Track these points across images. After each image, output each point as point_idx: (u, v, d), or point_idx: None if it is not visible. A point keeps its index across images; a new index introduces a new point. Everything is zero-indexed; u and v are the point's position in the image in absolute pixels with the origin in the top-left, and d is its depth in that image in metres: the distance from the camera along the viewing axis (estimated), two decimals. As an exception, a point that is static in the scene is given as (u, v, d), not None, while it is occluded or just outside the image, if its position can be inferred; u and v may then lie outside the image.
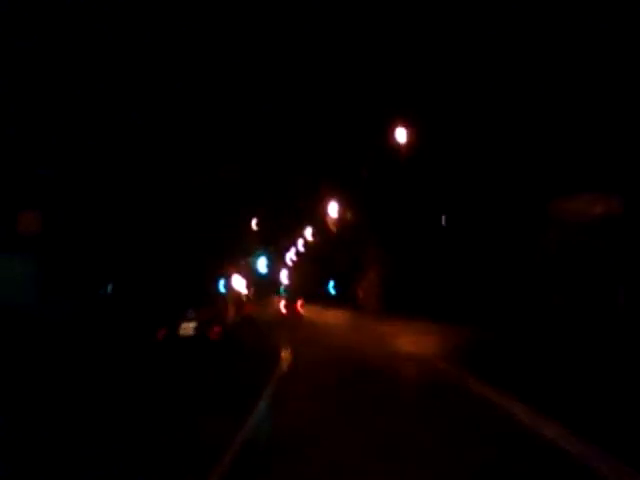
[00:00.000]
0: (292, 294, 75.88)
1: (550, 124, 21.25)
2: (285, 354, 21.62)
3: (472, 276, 28.67)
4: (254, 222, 56.63)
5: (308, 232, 68.86)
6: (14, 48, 19.99)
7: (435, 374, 15.31)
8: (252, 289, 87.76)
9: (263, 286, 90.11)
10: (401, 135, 30.78)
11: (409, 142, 31.20)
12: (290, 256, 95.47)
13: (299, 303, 57.06)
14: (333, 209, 45.54)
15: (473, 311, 26.10)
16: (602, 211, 19.12)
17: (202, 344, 22.87)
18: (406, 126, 30.73)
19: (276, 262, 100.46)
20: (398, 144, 31.63)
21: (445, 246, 32.88)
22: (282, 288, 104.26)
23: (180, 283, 27.42)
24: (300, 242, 77.60)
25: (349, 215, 45.18)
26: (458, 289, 29.80)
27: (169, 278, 27.90)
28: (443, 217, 34.70)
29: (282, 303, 58.91)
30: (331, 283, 65.59)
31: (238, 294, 34.95)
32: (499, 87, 23.68)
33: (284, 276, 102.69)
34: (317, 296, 68.40)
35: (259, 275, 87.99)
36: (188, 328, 23.53)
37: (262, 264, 71.33)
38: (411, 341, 22.27)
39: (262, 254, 75.83)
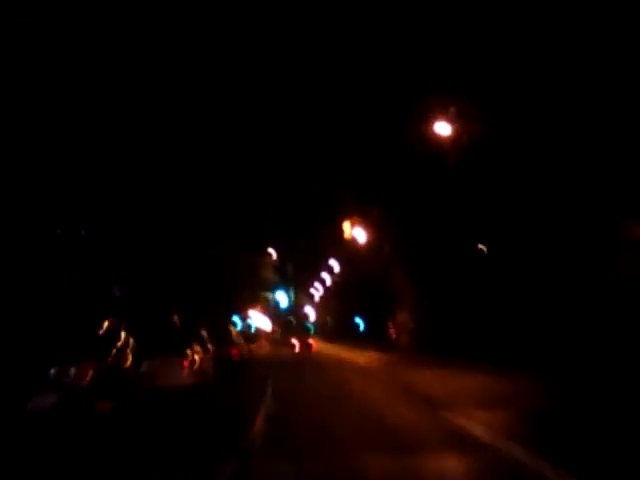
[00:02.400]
0: (306, 332, 74.99)
1: (609, 143, 20.65)
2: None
3: (520, 311, 26.18)
4: (273, 253, 54.40)
5: (335, 264, 66.37)
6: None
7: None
8: (276, 327, 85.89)
9: (288, 323, 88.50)
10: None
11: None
12: (316, 291, 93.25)
13: (310, 340, 60.17)
14: (360, 236, 42.58)
15: (523, 352, 23.54)
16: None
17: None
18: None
19: (301, 297, 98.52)
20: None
21: (487, 277, 30.01)
22: (309, 324, 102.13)
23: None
24: (327, 276, 75.09)
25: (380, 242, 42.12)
26: (504, 326, 27.10)
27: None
28: (482, 245, 31.97)
29: (294, 340, 59.31)
30: (360, 320, 62.39)
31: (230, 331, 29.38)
32: (556, 95, 22.20)
33: (311, 312, 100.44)
34: (345, 333, 65.32)
35: (281, 310, 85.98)
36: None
37: (282, 299, 69.17)
38: (458, 403, 14.33)
39: (282, 288, 73.91)
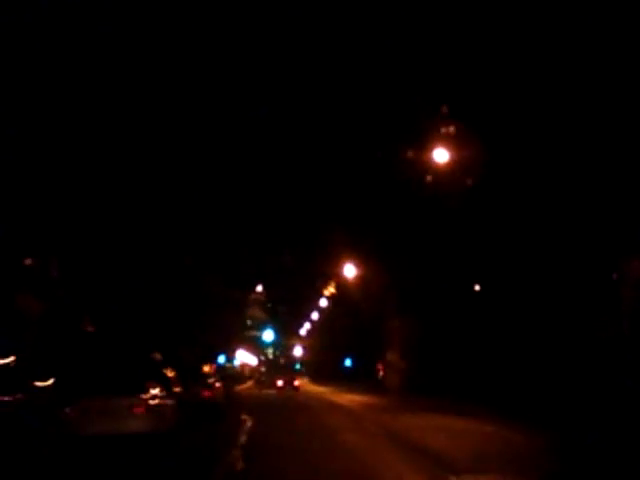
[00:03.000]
0: (293, 372, 74.07)
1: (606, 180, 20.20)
2: None
3: (514, 352, 25.49)
4: (261, 290, 53.42)
5: (323, 302, 65.35)
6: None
7: None
8: (263, 367, 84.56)
9: (276, 363, 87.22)
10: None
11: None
12: (304, 330, 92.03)
13: (296, 381, 60.77)
14: (350, 271, 41.61)
15: (516, 395, 22.84)
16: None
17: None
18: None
19: (290, 337, 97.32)
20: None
21: (480, 316, 29.34)
22: (297, 364, 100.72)
23: None
24: (316, 316, 74.01)
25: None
26: (497, 368, 26.48)
27: None
28: (477, 284, 31.23)
29: (279, 381, 60.31)
30: (348, 360, 61.23)
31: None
32: (553, 127, 21.63)
33: (300, 351, 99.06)
34: (333, 373, 64.08)
35: (269, 349, 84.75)
36: None
37: (270, 338, 68.30)
38: (460, 459, 12.23)
39: (270, 327, 72.42)
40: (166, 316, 27.97)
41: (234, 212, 39.24)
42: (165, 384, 16.64)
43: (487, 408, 22.20)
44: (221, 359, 52.56)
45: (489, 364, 27.41)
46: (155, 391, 15.37)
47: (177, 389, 18.21)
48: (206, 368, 27.26)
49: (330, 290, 55.37)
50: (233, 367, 65.08)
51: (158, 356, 23.68)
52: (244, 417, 22.97)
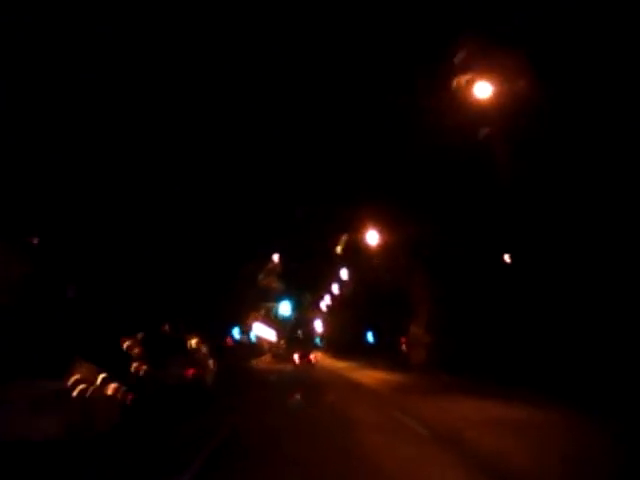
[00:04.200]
0: (312, 346, 73.10)
1: None
2: None
3: (549, 327, 24.15)
4: (276, 259, 52.07)
5: (345, 273, 63.99)
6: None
7: None
8: (281, 341, 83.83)
9: (296, 338, 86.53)
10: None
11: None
12: (324, 303, 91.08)
13: (312, 355, 58.63)
14: (373, 239, 39.91)
15: (553, 373, 21.49)
16: None
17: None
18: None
19: (309, 310, 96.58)
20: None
21: (512, 289, 27.96)
22: (317, 338, 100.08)
23: None
24: (336, 287, 72.81)
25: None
26: (530, 344, 25.07)
27: None
28: (507, 254, 30.08)
29: (296, 355, 57.48)
30: (369, 334, 60.01)
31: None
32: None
33: (319, 325, 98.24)
34: (354, 348, 62.97)
35: (287, 323, 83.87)
36: None
37: (287, 310, 67.10)
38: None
39: (287, 298, 71.23)
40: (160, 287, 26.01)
41: (251, 176, 38.07)
42: (119, 366, 13.17)
43: (527, 389, 20.48)
44: (236, 332, 51.67)
45: (520, 340, 26.04)
46: (91, 376, 11.20)
47: (142, 368, 14.99)
48: (193, 341, 23.24)
49: (349, 259, 53.99)
50: (250, 341, 64.19)
51: (139, 336, 20.37)
52: (243, 399, 19.15)
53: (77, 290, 20.39)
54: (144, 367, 14.92)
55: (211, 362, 23.32)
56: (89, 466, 9.44)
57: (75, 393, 10.46)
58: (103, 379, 11.86)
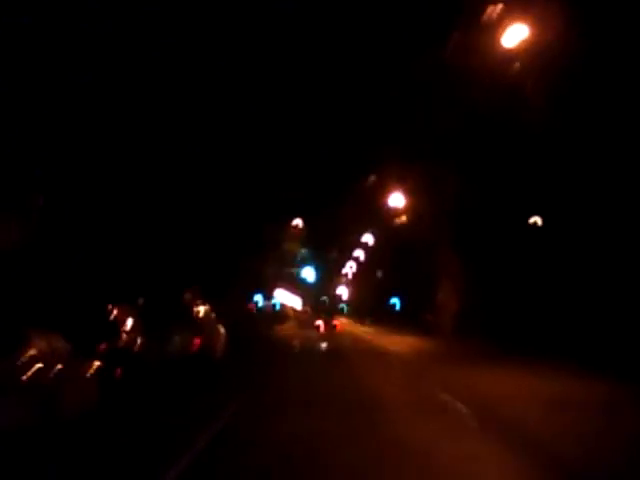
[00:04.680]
0: (337, 312, 72.57)
1: None
2: None
3: (582, 293, 23.89)
4: (300, 224, 51.38)
5: (369, 238, 63.43)
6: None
7: None
8: (307, 307, 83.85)
9: (321, 303, 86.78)
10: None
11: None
12: (349, 270, 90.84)
13: (335, 321, 58.48)
14: (398, 201, 39.03)
15: (590, 343, 20.85)
16: None
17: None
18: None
19: (334, 275, 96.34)
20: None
21: (543, 253, 27.72)
22: (342, 304, 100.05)
23: None
24: (361, 253, 72.41)
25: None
26: (562, 311, 24.87)
27: None
28: (538, 217, 30.04)
29: (320, 321, 56.37)
30: (395, 300, 59.54)
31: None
32: None
33: (344, 291, 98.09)
34: (380, 314, 62.62)
35: (311, 289, 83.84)
36: None
37: (311, 275, 66.40)
38: None
39: (311, 264, 70.75)
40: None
41: (275, 140, 37.54)
42: (103, 337, 11.53)
43: (560, 357, 19.95)
44: (258, 299, 51.13)
45: (549, 307, 25.94)
46: (37, 352, 8.89)
47: (139, 340, 13.54)
48: (201, 308, 21.35)
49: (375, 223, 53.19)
50: (274, 307, 63.89)
51: (140, 301, 17.91)
52: (245, 381, 15.59)
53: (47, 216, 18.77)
54: (140, 338, 13.34)
55: (222, 330, 21.72)
56: (37, 465, 7.42)
57: (29, 374, 8.58)
58: (75, 355, 9.99)
